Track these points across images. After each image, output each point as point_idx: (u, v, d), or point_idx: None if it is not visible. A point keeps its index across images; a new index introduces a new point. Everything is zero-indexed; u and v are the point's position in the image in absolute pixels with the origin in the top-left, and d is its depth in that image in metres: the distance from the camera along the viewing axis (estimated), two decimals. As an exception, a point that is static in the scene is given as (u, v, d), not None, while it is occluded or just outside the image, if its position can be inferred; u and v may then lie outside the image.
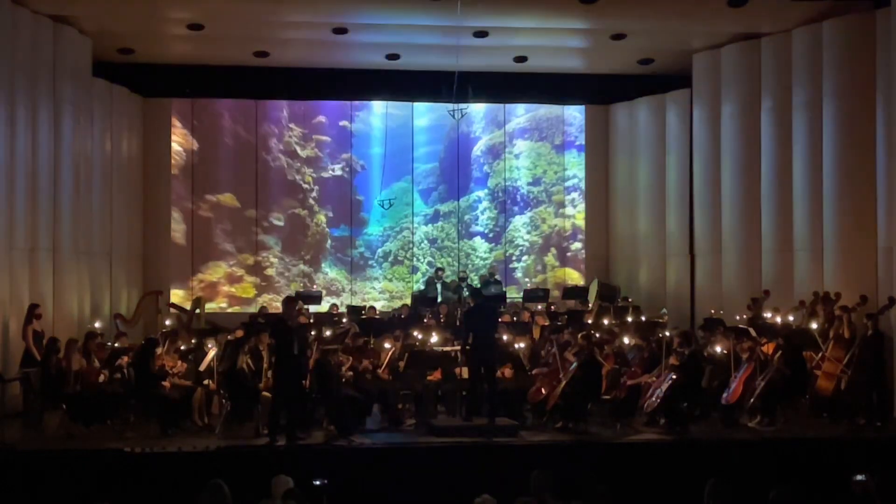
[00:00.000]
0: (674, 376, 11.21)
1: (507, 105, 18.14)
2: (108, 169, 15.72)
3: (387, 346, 12.19)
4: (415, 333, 12.55)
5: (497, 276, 16.88)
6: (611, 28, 15.08)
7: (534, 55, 16.42)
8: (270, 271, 17.77)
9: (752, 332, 12.44)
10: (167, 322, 14.30)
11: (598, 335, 12.68)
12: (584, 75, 17.39)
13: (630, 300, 15.89)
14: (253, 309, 16.37)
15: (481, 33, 15.15)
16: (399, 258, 18.01)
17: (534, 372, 11.90)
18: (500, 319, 12.96)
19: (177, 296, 16.66)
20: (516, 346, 12.34)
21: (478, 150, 18.33)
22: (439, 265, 17.11)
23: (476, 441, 10.55)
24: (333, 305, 15.57)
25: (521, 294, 16.23)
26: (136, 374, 11.45)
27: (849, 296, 12.61)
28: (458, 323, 13.14)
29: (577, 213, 18.45)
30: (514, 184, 18.33)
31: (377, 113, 17.97)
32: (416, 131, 17.98)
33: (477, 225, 18.30)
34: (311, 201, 17.96)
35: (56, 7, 13.64)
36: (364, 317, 14.31)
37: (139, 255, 16.98)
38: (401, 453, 10.33)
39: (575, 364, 11.36)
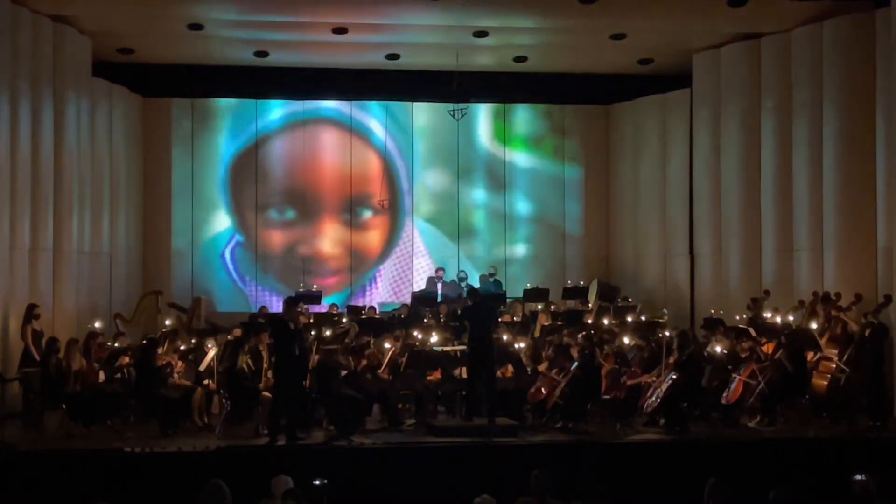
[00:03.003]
0: (674, 376, 11.21)
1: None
2: (108, 169, 15.72)
3: (387, 346, 12.19)
4: (415, 333, 12.55)
5: (496, 276, 16.83)
6: (611, 28, 15.08)
7: (534, 55, 16.42)
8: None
9: (752, 332, 12.44)
10: (167, 322, 14.28)
11: (598, 335, 12.68)
12: (584, 75, 17.38)
13: (630, 300, 15.88)
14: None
15: (481, 33, 15.14)
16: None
17: (539, 368, 11.90)
18: (500, 319, 12.96)
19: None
20: (516, 345, 12.34)
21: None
22: (440, 266, 17.06)
23: (476, 441, 10.54)
24: (333, 305, 15.55)
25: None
26: (138, 374, 11.46)
27: (849, 296, 12.60)
28: (457, 323, 13.15)
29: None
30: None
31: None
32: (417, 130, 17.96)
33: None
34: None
35: (56, 7, 13.64)
36: (364, 317, 14.30)
37: (139, 255, 16.97)
38: (401, 453, 10.33)
39: (575, 364, 11.37)
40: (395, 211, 17.74)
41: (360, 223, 17.77)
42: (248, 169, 17.54)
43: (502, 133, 18.11)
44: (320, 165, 17.73)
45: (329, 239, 17.67)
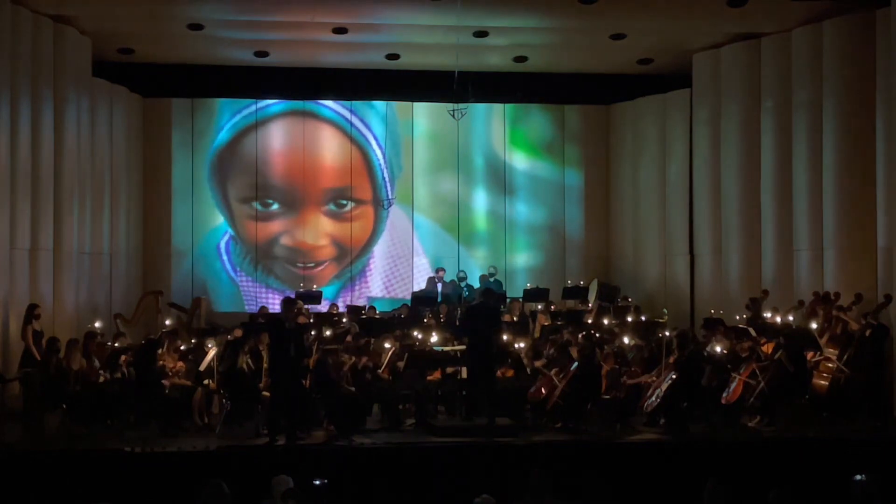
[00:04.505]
0: (674, 376, 11.21)
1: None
2: (108, 169, 15.73)
3: (387, 346, 12.19)
4: (415, 333, 12.55)
5: (496, 276, 16.83)
6: (611, 28, 15.08)
7: (534, 55, 16.42)
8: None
9: (752, 332, 12.44)
10: (167, 322, 14.30)
11: (598, 335, 12.67)
12: (584, 75, 17.37)
13: (630, 300, 15.88)
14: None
15: (481, 33, 15.15)
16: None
17: (536, 364, 11.90)
18: (501, 319, 12.95)
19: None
20: (516, 345, 12.34)
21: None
22: (440, 266, 17.06)
23: (476, 441, 10.54)
24: (333, 305, 15.57)
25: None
26: (138, 374, 11.46)
27: (849, 296, 12.62)
28: (457, 323, 13.17)
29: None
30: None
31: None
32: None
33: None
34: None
35: (56, 7, 13.64)
36: (364, 317, 14.31)
37: (139, 255, 16.98)
38: (401, 453, 10.31)
39: (575, 364, 11.37)
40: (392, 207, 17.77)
41: (353, 217, 17.74)
42: (244, 163, 17.56)
43: (502, 132, 18.11)
44: (319, 162, 17.74)
45: (325, 232, 17.68)
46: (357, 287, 17.70)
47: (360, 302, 16.67)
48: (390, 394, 11.67)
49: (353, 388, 11.31)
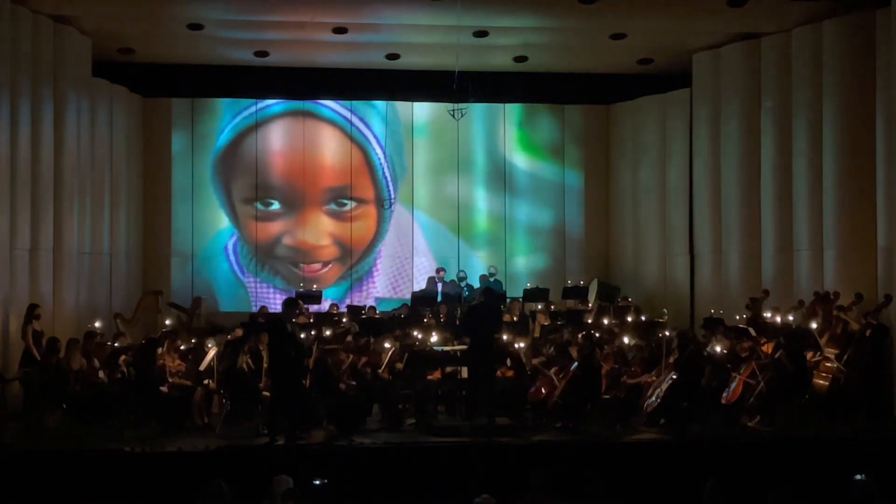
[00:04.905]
0: (674, 376, 11.21)
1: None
2: (108, 169, 15.73)
3: (387, 346, 12.19)
4: (415, 333, 12.55)
5: (497, 276, 16.83)
6: (611, 28, 15.08)
7: (534, 55, 16.42)
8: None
9: (752, 332, 12.44)
10: (167, 322, 14.30)
11: (598, 335, 12.67)
12: (584, 75, 17.37)
13: (630, 300, 15.88)
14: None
15: (481, 33, 15.15)
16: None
17: (534, 361, 11.89)
18: (501, 319, 12.96)
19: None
20: (516, 345, 12.35)
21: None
22: (440, 266, 17.07)
23: (476, 441, 10.55)
24: (333, 305, 15.57)
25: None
26: (138, 374, 11.47)
27: (849, 296, 12.62)
28: (457, 323, 13.16)
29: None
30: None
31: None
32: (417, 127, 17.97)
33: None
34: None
35: (56, 7, 13.65)
36: (364, 317, 14.31)
37: (139, 255, 16.99)
38: (401, 453, 10.31)
39: (575, 364, 11.37)
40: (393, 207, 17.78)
41: (354, 216, 17.73)
42: (245, 163, 17.56)
43: (503, 132, 18.12)
44: (319, 162, 17.75)
45: (326, 232, 17.69)
46: (365, 287, 17.72)
47: (369, 302, 16.69)
48: (390, 394, 11.68)
49: (353, 383, 11.32)
